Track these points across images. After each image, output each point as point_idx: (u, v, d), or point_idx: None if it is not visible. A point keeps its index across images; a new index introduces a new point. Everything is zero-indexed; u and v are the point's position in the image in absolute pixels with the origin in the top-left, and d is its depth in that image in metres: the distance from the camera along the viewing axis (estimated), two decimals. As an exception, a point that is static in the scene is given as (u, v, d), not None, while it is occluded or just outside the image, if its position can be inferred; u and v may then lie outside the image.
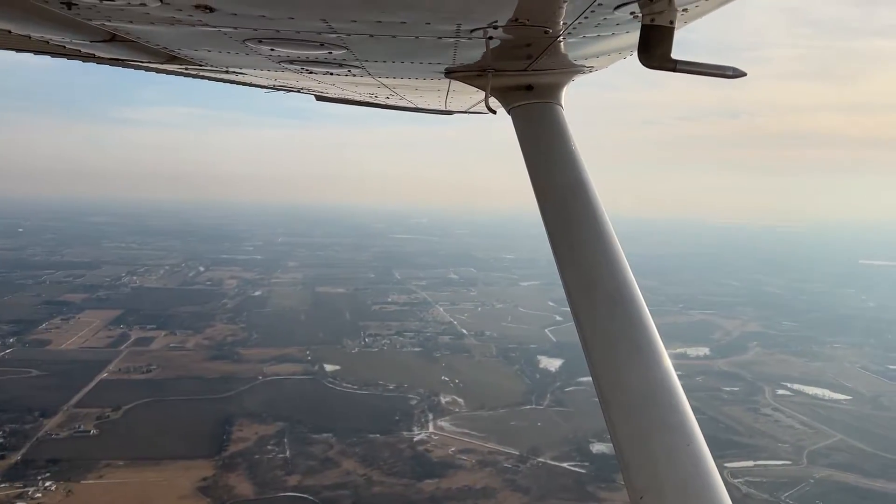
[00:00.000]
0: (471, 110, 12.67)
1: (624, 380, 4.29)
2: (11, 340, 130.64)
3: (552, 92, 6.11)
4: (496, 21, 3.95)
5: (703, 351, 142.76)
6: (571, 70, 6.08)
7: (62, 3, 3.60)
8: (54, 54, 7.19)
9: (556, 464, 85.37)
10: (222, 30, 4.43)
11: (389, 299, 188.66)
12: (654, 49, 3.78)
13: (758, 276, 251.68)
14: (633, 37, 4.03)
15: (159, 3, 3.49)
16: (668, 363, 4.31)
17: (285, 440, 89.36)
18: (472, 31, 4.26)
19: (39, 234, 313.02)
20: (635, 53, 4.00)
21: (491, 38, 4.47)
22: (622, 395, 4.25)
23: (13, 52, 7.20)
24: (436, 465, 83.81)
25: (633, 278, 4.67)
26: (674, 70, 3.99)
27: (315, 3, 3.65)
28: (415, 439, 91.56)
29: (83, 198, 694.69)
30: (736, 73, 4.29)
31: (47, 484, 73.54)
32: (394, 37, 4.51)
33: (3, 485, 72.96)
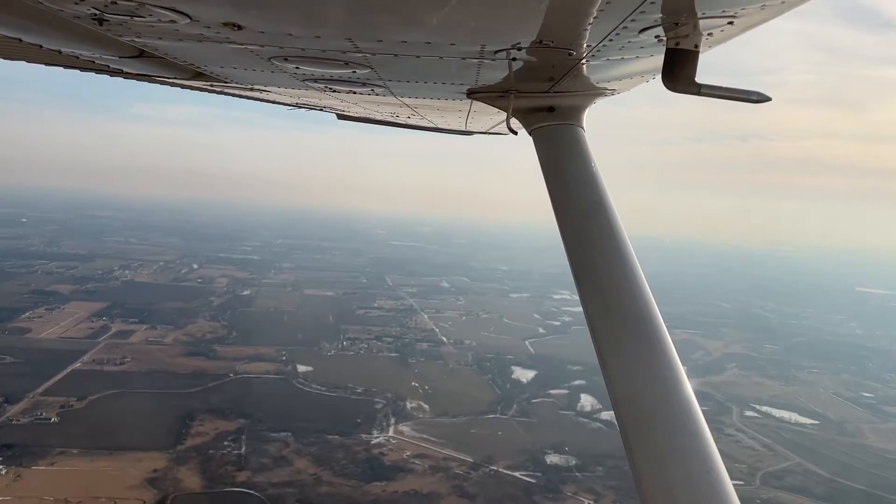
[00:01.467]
0: (491, 131, 12.77)
1: (643, 404, 4.22)
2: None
3: (574, 114, 6.12)
4: (520, 42, 3.95)
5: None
6: (594, 92, 6.08)
7: (94, 19, 3.68)
8: (83, 69, 7.41)
9: (508, 472, 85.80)
10: (249, 47, 4.49)
11: (375, 304, 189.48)
12: (679, 73, 3.79)
13: (749, 299, 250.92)
14: (657, 60, 4.06)
15: (189, 20, 3.59)
16: (687, 388, 4.24)
17: (243, 437, 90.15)
18: (495, 52, 4.27)
19: (42, 226, 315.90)
20: (659, 77, 4.03)
21: (514, 59, 4.47)
22: (641, 420, 4.19)
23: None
24: (387, 468, 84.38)
25: (654, 300, 4.65)
26: (698, 94, 3.98)
27: (342, 22, 3.68)
28: (372, 442, 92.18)
29: (90, 191, 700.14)
30: (760, 98, 4.23)
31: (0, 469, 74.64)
32: (418, 57, 4.50)
33: (-46, 466, 74.03)
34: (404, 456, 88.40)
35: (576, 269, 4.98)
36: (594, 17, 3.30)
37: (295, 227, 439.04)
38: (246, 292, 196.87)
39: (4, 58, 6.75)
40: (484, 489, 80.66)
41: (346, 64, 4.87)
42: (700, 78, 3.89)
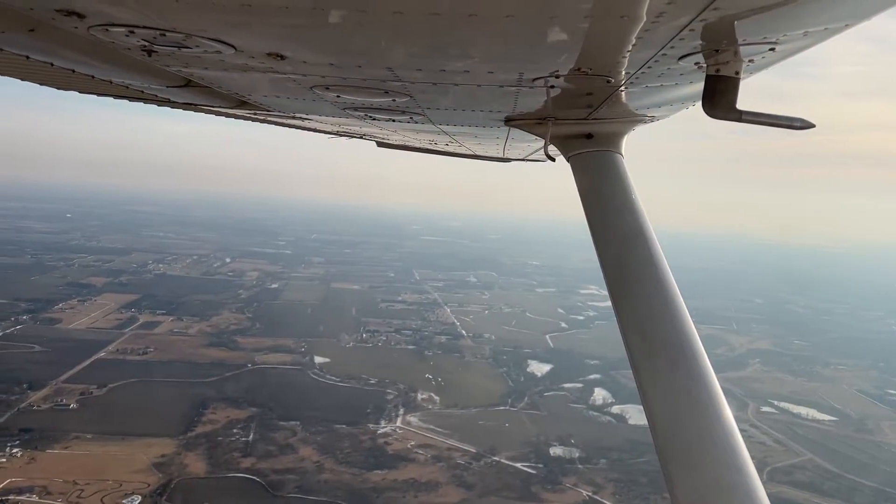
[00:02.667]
0: (529, 158, 12.77)
1: (684, 436, 4.16)
2: (25, 317, 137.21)
3: (613, 141, 6.10)
4: (558, 70, 3.99)
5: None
6: (632, 119, 6.06)
7: (143, 50, 3.81)
8: (132, 98, 7.60)
9: (510, 463, 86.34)
10: (291, 76, 4.59)
11: (399, 298, 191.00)
12: (719, 99, 3.79)
13: (784, 295, 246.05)
14: (698, 87, 4.06)
15: (234, 51, 3.71)
16: (730, 419, 4.19)
17: (252, 425, 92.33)
18: (533, 80, 4.29)
19: (85, 220, 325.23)
20: (699, 103, 4.03)
21: (552, 87, 4.49)
22: (682, 453, 4.13)
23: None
24: (390, 457, 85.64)
25: (695, 330, 4.60)
26: (739, 120, 3.95)
27: (382, 51, 3.73)
28: (378, 432, 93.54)
29: (133, 187, 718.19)
30: (804, 125, 4.19)
31: (14, 451, 77.83)
32: (456, 85, 4.58)
33: (-27, 449, 77.49)
34: (408, 446, 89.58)
35: (615, 297, 4.91)
36: (633, 45, 3.30)
37: (329, 222, 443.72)
38: (274, 285, 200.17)
39: (59, 88, 6.94)
40: (482, 479, 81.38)
41: (386, 92, 4.95)
42: (742, 100, 3.85)
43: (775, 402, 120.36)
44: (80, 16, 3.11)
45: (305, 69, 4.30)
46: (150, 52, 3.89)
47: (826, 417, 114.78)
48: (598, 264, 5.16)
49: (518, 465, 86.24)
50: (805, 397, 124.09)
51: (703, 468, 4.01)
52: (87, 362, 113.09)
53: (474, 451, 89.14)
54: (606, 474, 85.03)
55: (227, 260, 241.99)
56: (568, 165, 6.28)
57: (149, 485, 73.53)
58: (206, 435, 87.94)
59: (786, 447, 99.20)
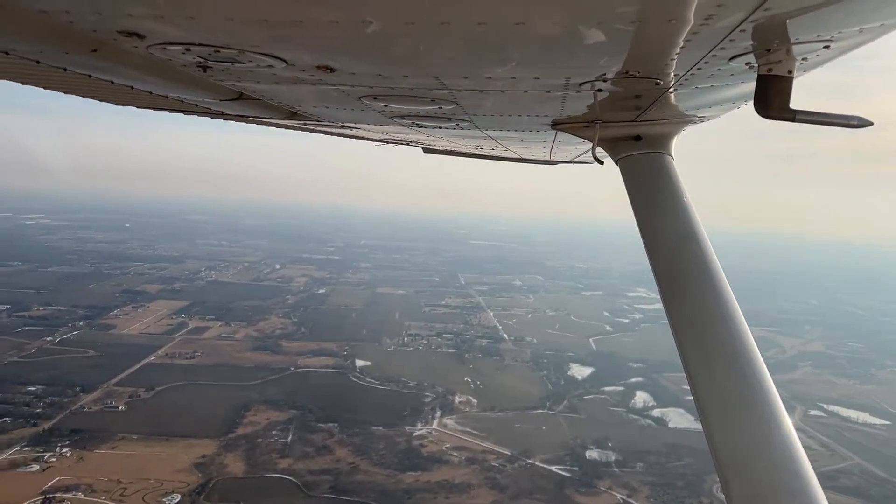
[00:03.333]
0: (576, 160, 12.80)
1: (741, 443, 4.12)
2: (81, 324, 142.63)
3: (662, 142, 6.04)
4: (605, 74, 4.00)
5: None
6: (682, 120, 6.00)
7: (198, 66, 3.97)
8: (187, 112, 7.88)
9: (544, 466, 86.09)
10: (340, 87, 4.73)
11: (443, 302, 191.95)
12: (772, 99, 3.71)
13: (843, 296, 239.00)
14: (749, 86, 4.01)
15: (284, 65, 3.84)
16: (789, 425, 4.13)
17: (291, 427, 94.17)
18: (580, 84, 4.30)
19: (143, 230, 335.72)
20: (750, 102, 3.96)
21: (600, 90, 4.48)
22: (740, 460, 4.08)
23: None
24: (424, 459, 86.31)
25: (751, 334, 4.53)
26: (793, 120, 3.89)
27: (429, 61, 3.80)
28: (414, 434, 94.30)
29: (188, 197, 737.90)
30: (861, 123, 4.10)
31: (64, 451, 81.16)
32: (503, 91, 4.62)
33: (26, 448, 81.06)
34: (443, 448, 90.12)
35: (667, 302, 4.88)
36: (681, 48, 3.31)
37: (379, 228, 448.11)
38: (321, 291, 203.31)
39: (118, 104, 7.21)
40: (515, 481, 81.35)
41: (433, 100, 5.06)
42: (795, 98, 3.78)
43: (824, 406, 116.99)
44: (140, 36, 3.30)
45: (354, 80, 4.44)
46: (204, 68, 4.09)
47: (878, 421, 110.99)
48: (647, 266, 5.16)
49: (552, 467, 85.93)
50: (857, 401, 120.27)
51: (762, 476, 3.97)
52: (138, 366, 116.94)
53: (509, 453, 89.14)
54: (642, 478, 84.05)
55: (277, 266, 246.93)
56: (616, 168, 6.25)
57: (188, 484, 75.75)
58: (247, 436, 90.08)
59: (832, 451, 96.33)
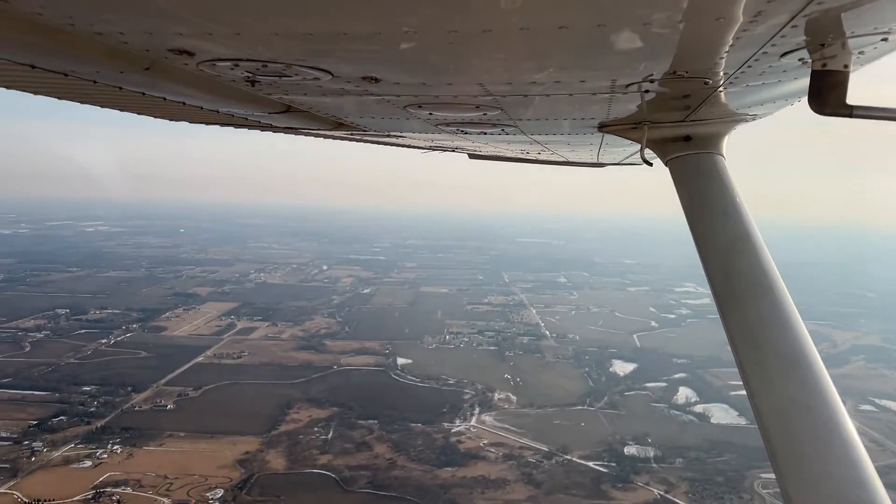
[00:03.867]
0: (624, 162, 12.69)
1: (801, 451, 4.01)
2: (134, 326, 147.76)
3: (712, 142, 5.93)
4: (652, 75, 3.97)
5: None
6: (733, 119, 5.91)
7: (247, 81, 4.10)
8: (237, 125, 8.05)
9: (582, 462, 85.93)
10: (385, 97, 4.79)
11: (486, 300, 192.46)
12: (827, 95, 3.60)
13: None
14: (803, 83, 3.93)
15: (330, 77, 3.94)
16: (852, 431, 4.03)
17: (332, 424, 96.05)
18: (627, 85, 4.27)
19: (196, 235, 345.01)
20: (804, 98, 3.85)
21: (647, 91, 4.45)
22: (800, 468, 3.98)
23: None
24: (461, 455, 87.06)
25: (809, 338, 4.44)
26: (850, 116, 3.75)
27: (473, 68, 3.82)
28: (452, 430, 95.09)
29: (244, 202, 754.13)
30: None
31: (115, 448, 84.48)
32: (548, 95, 4.62)
33: (80, 445, 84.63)
34: (481, 444, 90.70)
35: (722, 305, 4.81)
36: (730, 46, 3.28)
37: (427, 228, 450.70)
38: (366, 290, 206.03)
39: (171, 119, 7.41)
40: (552, 477, 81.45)
41: (477, 107, 5.09)
42: (852, 96, 3.64)
43: (876, 400, 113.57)
44: (190, 53, 3.43)
45: (398, 90, 4.51)
46: (253, 83, 4.21)
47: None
48: (697, 261, 5.15)
49: (590, 463, 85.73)
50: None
51: (824, 484, 3.87)
52: (187, 366, 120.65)
53: (546, 449, 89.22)
54: (681, 473, 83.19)
55: (324, 267, 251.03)
56: (666, 169, 6.16)
57: (231, 480, 78.05)
58: (289, 433, 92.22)
59: (883, 447, 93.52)
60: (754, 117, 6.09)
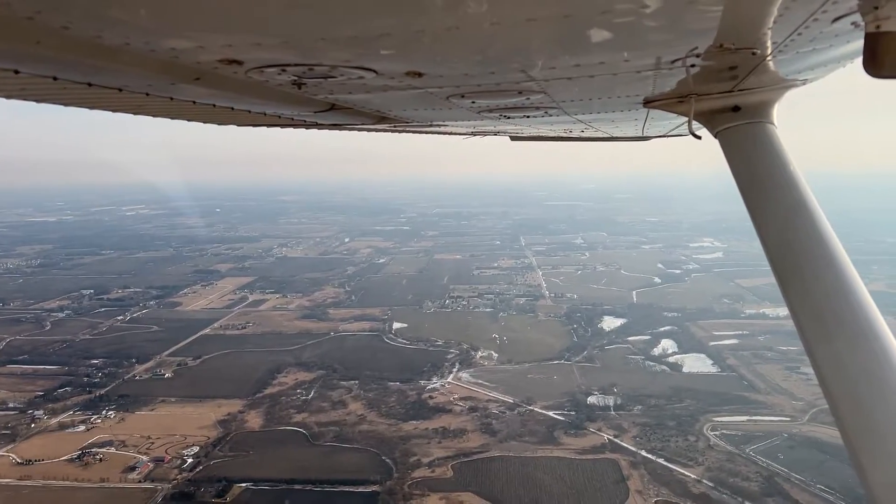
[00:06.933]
0: (671, 133, 12.55)
1: (874, 424, 3.90)
2: (152, 303, 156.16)
3: (762, 111, 5.80)
4: (697, 49, 3.89)
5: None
6: (783, 86, 5.78)
7: (293, 84, 4.28)
8: (283, 125, 8.19)
9: (542, 412, 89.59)
10: (429, 90, 4.98)
11: (495, 264, 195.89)
12: (883, 58, 3.32)
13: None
14: (856, 45, 3.83)
15: (375, 74, 4.07)
16: None
17: (315, 385, 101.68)
18: (672, 61, 4.24)
19: (231, 214, 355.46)
20: (858, 59, 3.66)
21: (692, 66, 4.38)
22: (873, 442, 3.89)
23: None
24: (429, 409, 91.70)
25: (875, 307, 4.27)
26: None
27: (515, 57, 3.85)
28: (427, 388, 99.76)
29: (281, 179, 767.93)
30: None
31: (110, 413, 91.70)
32: (591, 77, 4.58)
33: (78, 412, 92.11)
34: (451, 399, 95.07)
35: (781, 279, 4.70)
36: (778, 16, 3.23)
37: (457, 196, 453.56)
38: (381, 260, 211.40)
39: (220, 124, 7.58)
40: (508, 425, 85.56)
41: (520, 93, 5.13)
42: None
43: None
44: (240, 63, 3.60)
45: (442, 82, 4.60)
46: (299, 85, 4.31)
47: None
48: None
49: (550, 413, 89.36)
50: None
51: (894, 450, 3.84)
52: (192, 338, 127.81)
53: (511, 401, 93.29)
54: (636, 419, 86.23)
55: (346, 240, 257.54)
56: (715, 141, 6.03)
57: (209, 438, 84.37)
58: (272, 395, 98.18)
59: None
60: (804, 82, 5.92)
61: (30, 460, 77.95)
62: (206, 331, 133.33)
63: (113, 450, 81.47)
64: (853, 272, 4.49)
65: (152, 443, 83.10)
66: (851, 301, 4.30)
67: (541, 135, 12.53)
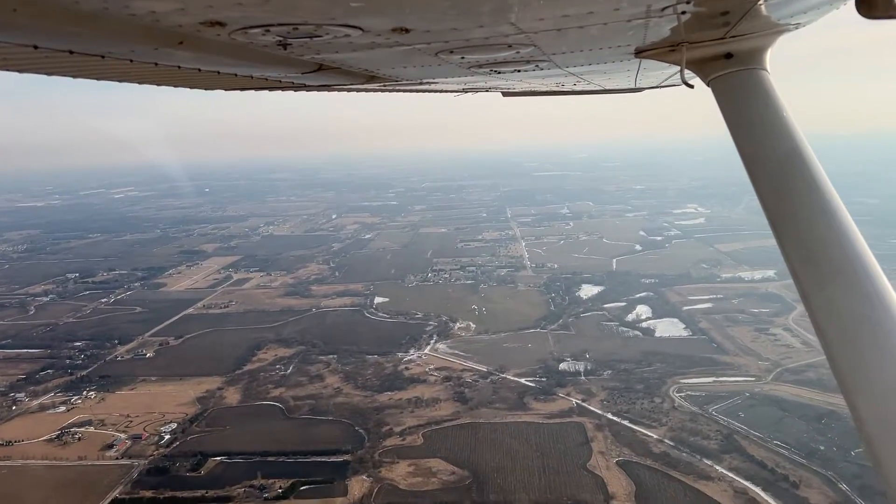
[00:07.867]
0: (663, 84, 12.48)
1: (870, 371, 3.90)
2: (136, 284, 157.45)
3: (755, 57, 5.62)
4: None
5: (768, 273, 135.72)
6: (776, 30, 5.59)
7: (278, 45, 4.19)
8: (271, 89, 8.17)
9: (515, 379, 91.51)
10: (416, 46, 4.84)
11: (479, 237, 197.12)
12: None
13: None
14: None
15: (361, 32, 3.98)
16: None
17: (294, 361, 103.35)
18: (662, 8, 4.18)
19: (220, 194, 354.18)
20: (850, 2, 3.73)
21: (683, 12, 4.29)
22: (869, 387, 3.90)
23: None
24: (404, 380, 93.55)
25: (870, 252, 4.26)
26: None
27: (503, 8, 3.78)
28: (404, 359, 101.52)
29: (273, 158, 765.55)
30: None
31: (90, 394, 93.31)
32: (581, 27, 4.51)
33: (59, 394, 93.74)
34: (426, 370, 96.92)
35: (775, 226, 4.66)
36: None
37: (447, 169, 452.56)
38: (367, 236, 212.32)
39: (206, 88, 7.44)
40: (480, 393, 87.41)
41: (510, 46, 5.07)
42: None
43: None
44: (222, 24, 3.55)
45: (429, 37, 4.52)
46: (284, 46, 4.29)
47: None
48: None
49: (522, 380, 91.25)
50: None
51: (888, 397, 3.86)
52: (175, 318, 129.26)
53: (485, 370, 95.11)
54: (604, 383, 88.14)
55: (333, 216, 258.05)
56: (708, 89, 5.94)
57: (187, 415, 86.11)
58: (251, 372, 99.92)
59: (814, 349, 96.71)
60: (797, 26, 5.81)
61: (10, 441, 79.64)
62: (190, 310, 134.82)
63: (92, 429, 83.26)
64: (848, 218, 4.50)
65: (131, 421, 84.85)
66: (846, 246, 4.33)
67: (533, 89, 12.32)
